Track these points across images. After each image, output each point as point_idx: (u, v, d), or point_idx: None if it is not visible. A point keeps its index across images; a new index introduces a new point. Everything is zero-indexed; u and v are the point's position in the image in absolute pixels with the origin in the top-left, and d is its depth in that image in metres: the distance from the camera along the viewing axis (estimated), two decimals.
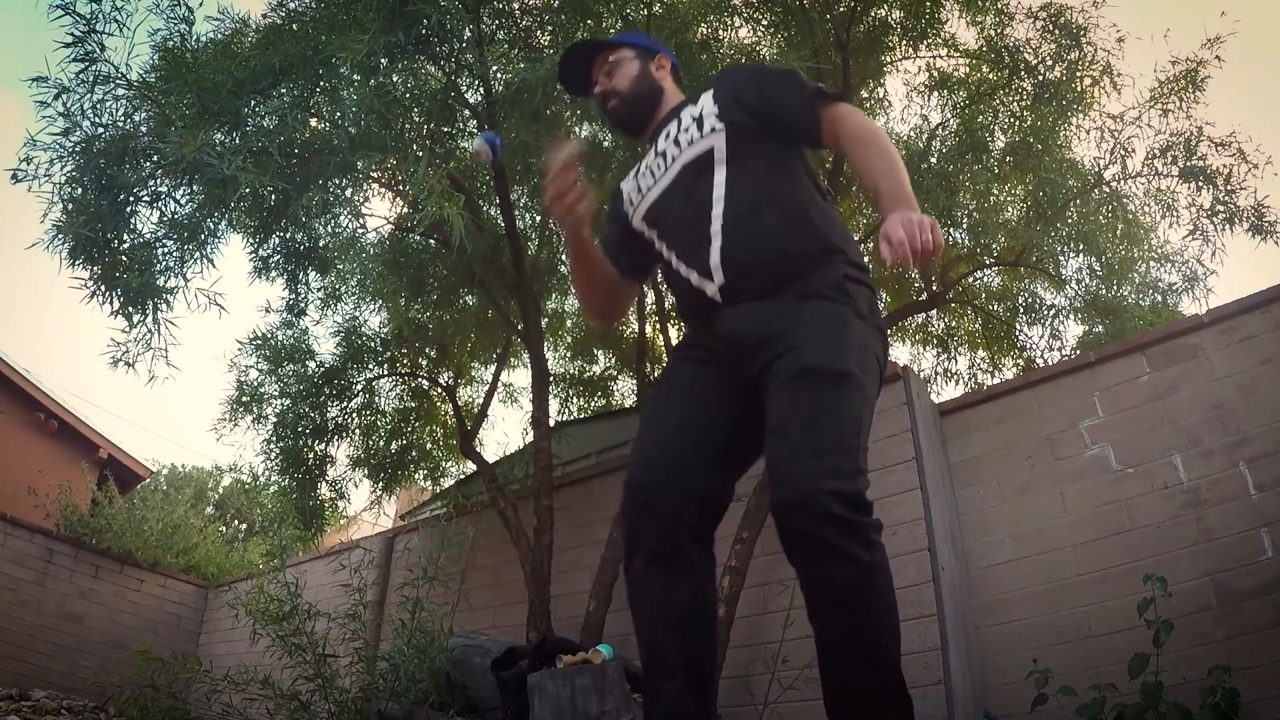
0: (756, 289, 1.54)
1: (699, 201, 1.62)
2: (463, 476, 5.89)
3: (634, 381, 5.40)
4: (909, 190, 1.46)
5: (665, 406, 1.63)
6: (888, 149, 1.54)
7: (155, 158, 3.44)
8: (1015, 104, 4.42)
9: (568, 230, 1.63)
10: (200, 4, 3.83)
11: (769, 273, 1.54)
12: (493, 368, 5.52)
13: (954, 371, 5.65)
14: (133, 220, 3.65)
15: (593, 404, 6.05)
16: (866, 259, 1.76)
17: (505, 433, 40.05)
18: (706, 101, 1.71)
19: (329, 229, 4.75)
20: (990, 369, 5.52)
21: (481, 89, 3.82)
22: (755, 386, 1.51)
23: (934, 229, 1.32)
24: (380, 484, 5.30)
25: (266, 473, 5.12)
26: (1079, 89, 4.21)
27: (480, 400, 5.47)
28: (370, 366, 5.27)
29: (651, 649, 1.46)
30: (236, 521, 16.43)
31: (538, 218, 5.02)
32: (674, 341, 4.99)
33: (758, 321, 1.52)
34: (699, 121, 1.69)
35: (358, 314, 5.37)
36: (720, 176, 1.62)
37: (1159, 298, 4.87)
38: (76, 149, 3.44)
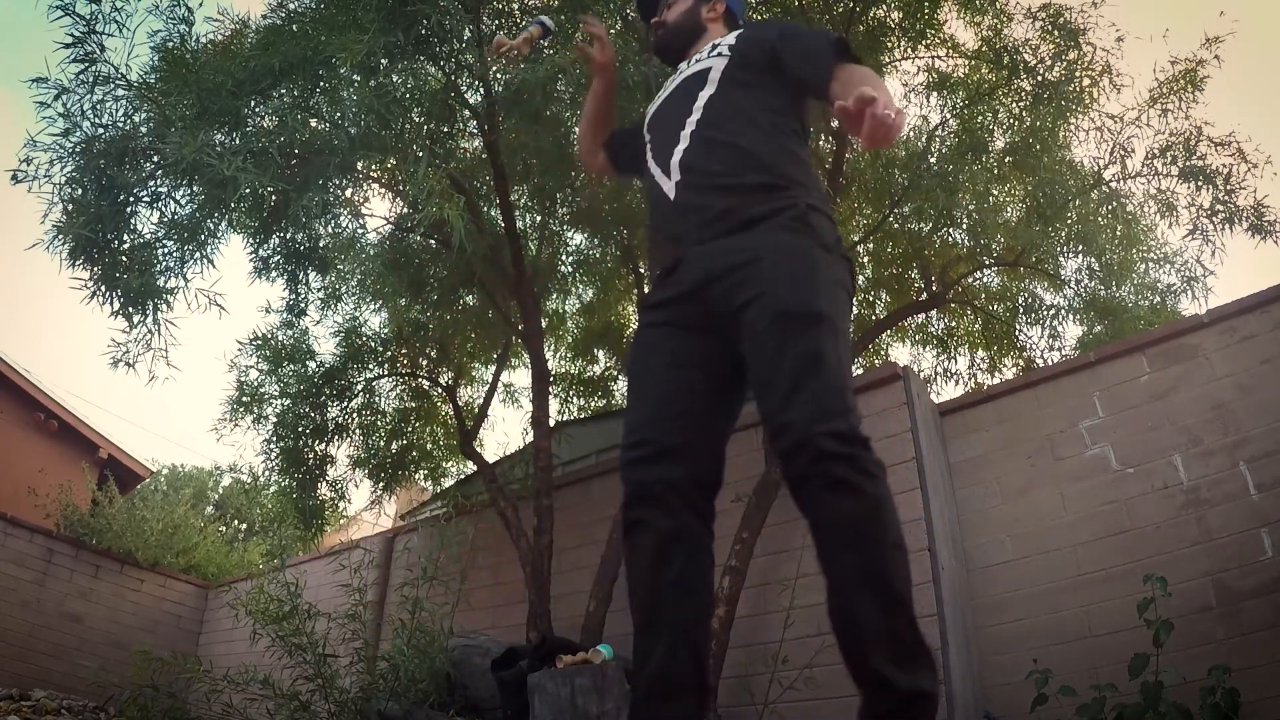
0: (711, 212, 1.60)
1: (683, 110, 1.77)
2: (463, 476, 5.88)
3: None
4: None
5: (643, 381, 1.62)
6: (878, 81, 1.53)
7: (155, 158, 3.44)
8: (1014, 104, 4.41)
9: (594, 68, 2.05)
10: (200, 4, 3.83)
11: (723, 188, 1.62)
12: (493, 368, 5.52)
13: (954, 371, 5.65)
14: (133, 220, 3.66)
15: (593, 404, 6.05)
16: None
17: (505, 433, 40.15)
18: (731, 36, 1.88)
19: (329, 229, 4.75)
20: (990, 369, 5.52)
21: (481, 89, 3.82)
22: (728, 330, 1.53)
23: (899, 114, 1.33)
24: (380, 484, 5.30)
25: (266, 473, 5.13)
26: (1078, 89, 4.20)
27: (480, 400, 5.48)
28: (370, 366, 5.28)
29: (645, 612, 1.45)
30: (236, 521, 16.42)
31: (538, 218, 5.02)
32: None
33: (723, 255, 1.55)
34: (714, 47, 1.86)
35: (358, 314, 5.38)
36: (706, 93, 1.77)
37: (1158, 298, 4.87)
38: (76, 149, 3.44)
